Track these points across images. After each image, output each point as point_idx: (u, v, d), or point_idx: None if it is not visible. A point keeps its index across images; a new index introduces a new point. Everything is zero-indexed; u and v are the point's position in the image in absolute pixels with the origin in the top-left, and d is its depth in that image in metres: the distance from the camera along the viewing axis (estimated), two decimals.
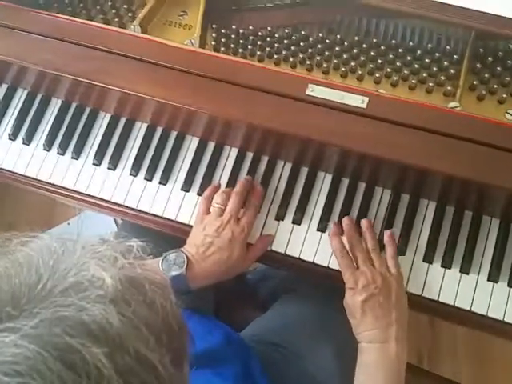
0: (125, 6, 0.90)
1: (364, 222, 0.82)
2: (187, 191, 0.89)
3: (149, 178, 0.90)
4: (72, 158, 0.92)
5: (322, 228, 0.85)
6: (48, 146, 0.93)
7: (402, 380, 0.70)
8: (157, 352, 0.33)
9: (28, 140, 0.94)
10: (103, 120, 0.94)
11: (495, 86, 0.80)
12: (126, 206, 0.90)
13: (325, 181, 0.88)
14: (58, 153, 0.93)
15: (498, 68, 0.81)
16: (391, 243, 0.80)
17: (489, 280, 0.81)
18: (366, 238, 0.80)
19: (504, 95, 0.80)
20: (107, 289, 0.34)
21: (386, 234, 0.81)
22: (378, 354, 0.70)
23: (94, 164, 0.92)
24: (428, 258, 0.83)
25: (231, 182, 0.89)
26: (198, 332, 0.73)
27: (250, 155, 0.90)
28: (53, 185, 0.92)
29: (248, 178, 0.86)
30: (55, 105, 0.95)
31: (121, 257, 0.37)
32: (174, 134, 0.92)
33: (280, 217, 0.87)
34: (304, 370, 0.85)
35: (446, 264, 0.82)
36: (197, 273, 0.75)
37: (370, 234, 0.80)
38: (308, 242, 0.85)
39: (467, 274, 0.82)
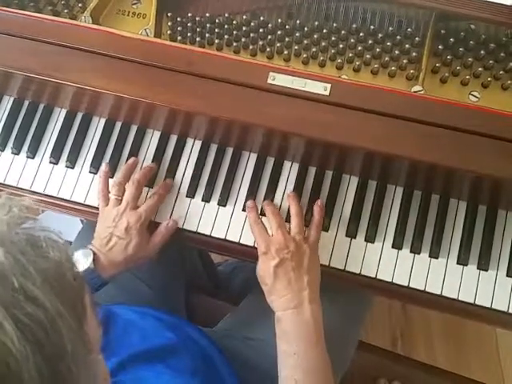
0: None
1: (290, 193, 0.83)
2: (150, 187, 0.87)
3: (110, 175, 0.87)
4: (27, 157, 0.88)
5: None
6: (1, 146, 0.89)
7: (321, 336, 0.71)
8: (45, 291, 0.33)
9: None
10: (59, 116, 0.90)
11: (458, 68, 0.79)
12: (88, 205, 0.87)
13: (292, 170, 0.86)
14: (12, 152, 0.89)
15: (461, 49, 0.80)
16: (319, 212, 0.80)
17: (458, 263, 0.81)
18: (290, 203, 0.81)
19: (467, 76, 0.79)
20: None
21: (317, 203, 0.81)
22: (294, 319, 0.71)
23: (51, 163, 0.88)
24: (397, 244, 0.82)
25: (196, 175, 0.86)
26: (153, 328, 0.74)
27: (214, 147, 0.88)
28: (8, 186, 0.88)
29: (150, 167, 0.85)
30: (7, 103, 0.91)
31: (15, 209, 0.37)
32: (134, 129, 0.89)
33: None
34: (273, 358, 0.85)
35: (416, 249, 0.82)
36: (105, 264, 0.76)
37: (294, 199, 0.81)
38: None
39: (436, 258, 0.81)
